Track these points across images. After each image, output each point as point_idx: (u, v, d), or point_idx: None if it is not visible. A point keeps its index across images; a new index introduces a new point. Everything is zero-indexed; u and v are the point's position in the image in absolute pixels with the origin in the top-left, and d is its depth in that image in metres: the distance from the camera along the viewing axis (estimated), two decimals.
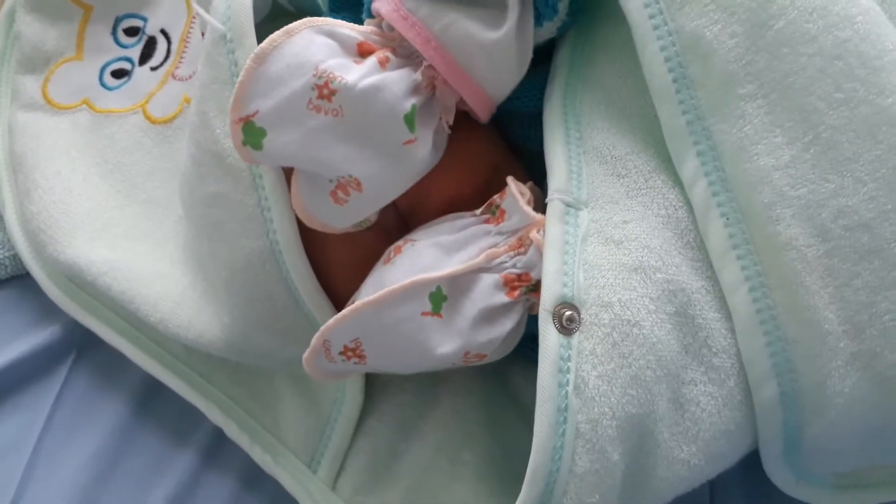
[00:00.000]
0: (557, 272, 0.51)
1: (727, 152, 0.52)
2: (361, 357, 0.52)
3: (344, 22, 0.53)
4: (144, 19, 0.81)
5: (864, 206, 0.50)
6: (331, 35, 0.52)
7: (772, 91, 0.51)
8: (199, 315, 0.64)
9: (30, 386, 0.74)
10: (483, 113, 0.57)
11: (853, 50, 0.50)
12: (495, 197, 0.56)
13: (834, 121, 0.50)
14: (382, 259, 0.55)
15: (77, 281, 0.72)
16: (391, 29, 0.54)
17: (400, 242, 0.55)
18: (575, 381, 0.49)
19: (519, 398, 0.67)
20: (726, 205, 0.52)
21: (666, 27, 0.53)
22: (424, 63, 0.53)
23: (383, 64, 0.52)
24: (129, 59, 0.80)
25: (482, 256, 0.52)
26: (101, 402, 0.73)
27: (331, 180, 0.53)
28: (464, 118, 0.59)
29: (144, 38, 0.81)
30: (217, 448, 0.71)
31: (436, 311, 0.51)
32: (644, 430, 0.50)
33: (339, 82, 0.50)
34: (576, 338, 0.50)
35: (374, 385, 0.65)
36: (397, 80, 0.52)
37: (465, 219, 0.56)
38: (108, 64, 0.81)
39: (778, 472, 0.57)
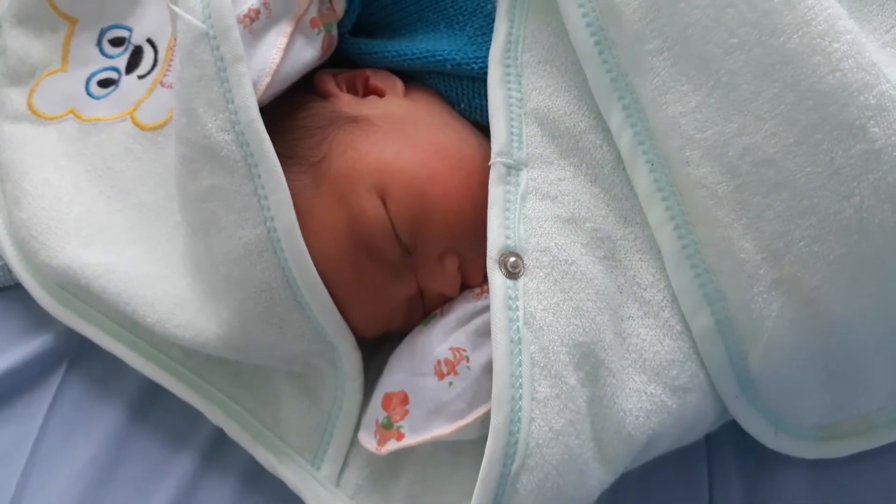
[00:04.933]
0: (500, 226, 0.57)
1: (646, 104, 0.58)
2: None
3: None
4: (129, 29, 0.82)
5: (767, 142, 0.54)
6: None
7: (675, 44, 0.56)
8: (198, 314, 0.64)
9: (22, 396, 0.73)
10: None
11: None
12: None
13: (731, 65, 0.54)
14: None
15: (70, 288, 0.71)
16: None
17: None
18: (524, 316, 0.55)
19: None
20: (651, 152, 0.58)
21: None
22: None
23: None
24: (115, 69, 0.80)
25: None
26: (95, 410, 0.72)
27: None
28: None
29: (130, 48, 0.81)
30: (216, 451, 0.70)
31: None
32: (595, 359, 0.56)
33: None
34: (521, 280, 0.56)
35: (373, 382, 0.64)
36: None
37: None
38: (94, 74, 0.81)
39: (751, 421, 0.60)
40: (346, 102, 0.66)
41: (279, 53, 0.61)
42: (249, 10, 0.60)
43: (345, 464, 0.65)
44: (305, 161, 0.62)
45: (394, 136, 0.62)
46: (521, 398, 0.53)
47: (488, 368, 0.56)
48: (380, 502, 0.64)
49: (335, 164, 0.61)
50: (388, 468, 0.64)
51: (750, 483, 0.66)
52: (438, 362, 0.58)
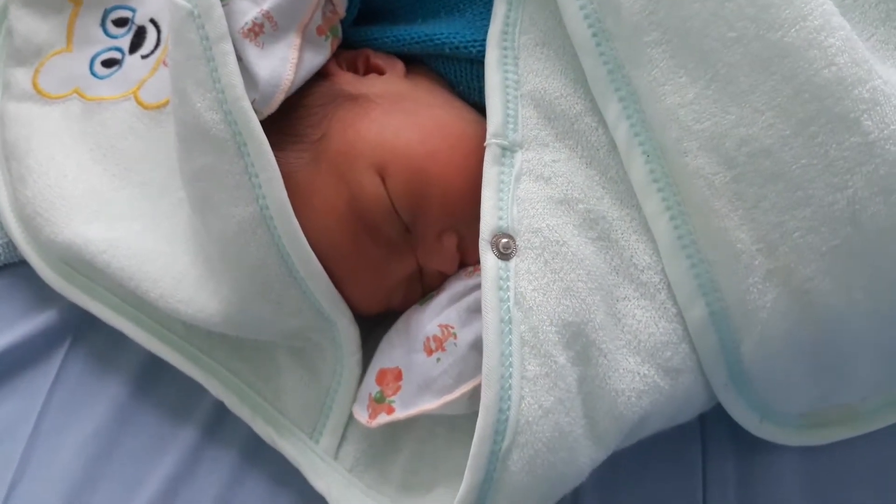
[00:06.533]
0: (494, 207, 0.58)
1: (643, 96, 0.58)
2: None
3: None
4: (133, 10, 0.83)
5: (763, 133, 0.54)
6: None
7: (674, 37, 0.56)
8: (200, 290, 0.65)
9: (26, 370, 0.74)
10: None
11: None
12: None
13: (729, 58, 0.55)
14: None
15: (74, 263, 0.72)
16: None
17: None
18: (515, 296, 0.55)
19: None
20: (647, 143, 0.58)
21: None
22: None
23: None
24: (118, 49, 0.81)
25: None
26: (98, 384, 0.73)
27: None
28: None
29: (134, 28, 0.82)
30: (217, 425, 0.71)
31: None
32: (586, 339, 0.56)
33: None
34: (513, 261, 0.56)
35: (372, 357, 0.65)
36: None
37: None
38: (98, 54, 0.81)
39: (738, 410, 0.61)
40: (347, 80, 0.66)
41: (292, 69, 0.61)
42: (254, 23, 0.60)
43: (343, 437, 0.66)
44: (306, 139, 0.62)
45: (393, 113, 0.63)
46: (510, 376, 0.54)
47: (475, 345, 0.57)
48: (377, 476, 0.65)
49: (335, 141, 0.62)
50: (386, 443, 0.65)
51: (744, 465, 0.67)
52: (427, 339, 0.59)
